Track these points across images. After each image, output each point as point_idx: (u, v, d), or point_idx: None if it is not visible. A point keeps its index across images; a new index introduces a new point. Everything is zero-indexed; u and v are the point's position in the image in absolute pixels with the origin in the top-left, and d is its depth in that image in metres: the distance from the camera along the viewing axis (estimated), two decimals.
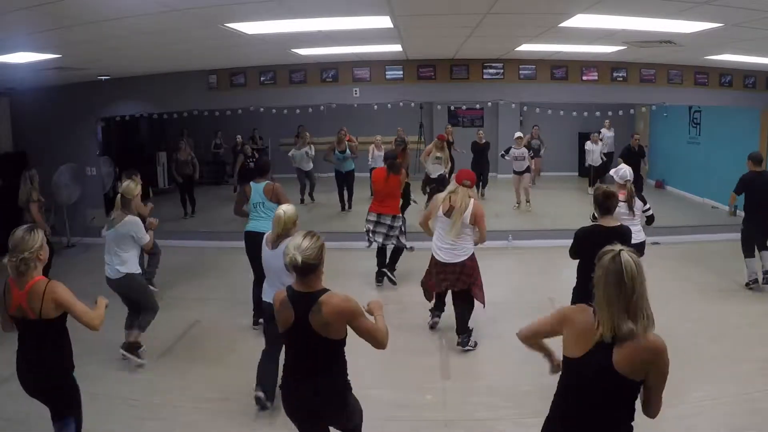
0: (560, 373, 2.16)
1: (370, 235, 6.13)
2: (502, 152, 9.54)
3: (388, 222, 6.06)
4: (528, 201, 9.49)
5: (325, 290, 2.44)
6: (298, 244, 2.39)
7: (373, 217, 6.12)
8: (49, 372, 2.82)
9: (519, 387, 4.02)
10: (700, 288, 6.09)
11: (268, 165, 5.46)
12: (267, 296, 3.86)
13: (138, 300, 4.55)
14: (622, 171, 4.75)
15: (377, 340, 2.48)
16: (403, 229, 6.21)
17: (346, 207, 9.68)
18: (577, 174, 11.51)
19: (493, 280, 5.73)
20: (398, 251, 6.31)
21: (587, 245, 3.57)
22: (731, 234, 6.72)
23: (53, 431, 2.93)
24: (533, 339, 2.33)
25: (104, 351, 4.68)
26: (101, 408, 3.75)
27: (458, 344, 4.69)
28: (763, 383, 3.95)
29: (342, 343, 2.46)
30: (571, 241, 3.96)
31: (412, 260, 6.40)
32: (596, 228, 3.81)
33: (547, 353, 2.39)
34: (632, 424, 1.99)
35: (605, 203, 3.79)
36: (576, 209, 9.15)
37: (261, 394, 3.71)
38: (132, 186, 4.54)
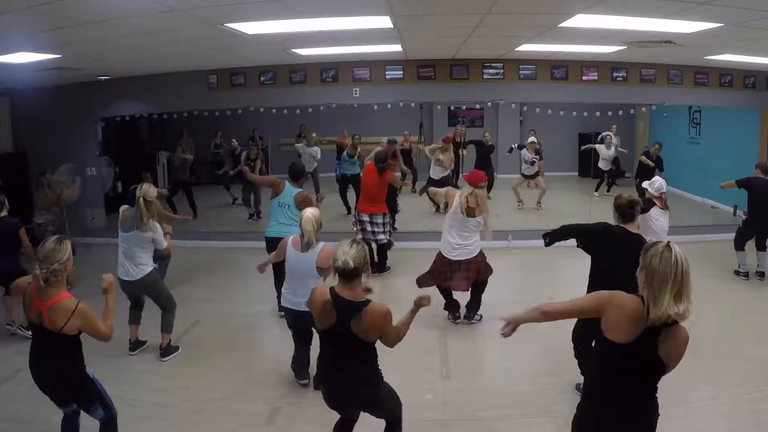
0: (598, 356, 2.25)
1: (359, 234, 6.33)
2: (512, 147, 9.50)
3: (380, 221, 6.31)
4: (539, 202, 9.50)
5: (368, 302, 2.62)
6: (346, 251, 2.56)
7: (366, 218, 6.31)
8: (66, 380, 2.87)
9: (519, 387, 4.03)
10: (699, 288, 6.01)
11: (303, 171, 5.44)
12: (286, 302, 3.88)
13: (159, 300, 4.60)
14: (658, 183, 5.07)
15: (390, 343, 2.73)
16: (391, 224, 6.51)
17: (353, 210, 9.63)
18: (577, 174, 11.50)
19: (493, 280, 5.72)
20: (385, 247, 6.56)
21: (601, 241, 3.61)
22: (731, 234, 6.72)
23: (60, 426, 3.02)
24: (555, 318, 2.36)
25: (104, 351, 4.67)
26: None
27: (465, 317, 5.11)
28: (763, 383, 3.95)
29: (375, 341, 2.68)
30: (571, 240, 3.93)
31: (413, 261, 6.40)
32: (622, 230, 3.68)
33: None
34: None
35: (629, 211, 3.69)
36: (576, 209, 9.15)
37: (305, 381, 4.05)
38: (152, 189, 4.49)
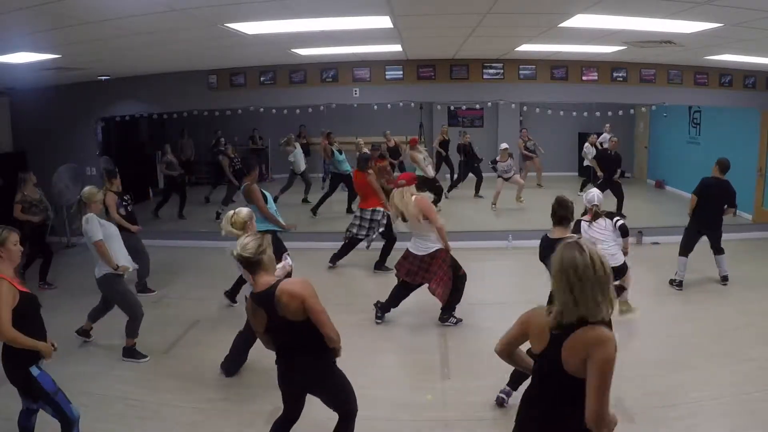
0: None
1: (354, 229, 6.64)
2: (491, 163, 9.50)
3: (368, 216, 6.58)
4: (520, 196, 9.57)
5: (277, 282, 2.64)
6: (242, 243, 2.69)
7: (358, 212, 6.69)
8: (7, 367, 2.93)
9: (519, 387, 4.02)
10: (699, 288, 6.09)
11: (247, 166, 5.76)
12: None
13: (119, 305, 4.58)
14: (590, 195, 4.77)
15: (321, 322, 2.64)
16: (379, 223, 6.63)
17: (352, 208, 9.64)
18: (577, 174, 11.50)
19: (493, 280, 5.74)
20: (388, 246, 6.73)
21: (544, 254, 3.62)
22: (731, 234, 6.73)
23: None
24: (510, 348, 2.23)
25: (105, 351, 4.69)
26: (101, 408, 3.76)
27: (439, 319, 5.12)
28: (762, 383, 3.95)
29: (310, 324, 2.64)
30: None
31: None
32: (545, 238, 3.79)
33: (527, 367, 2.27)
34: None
35: (557, 212, 3.76)
36: (576, 209, 9.16)
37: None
38: (99, 193, 4.63)
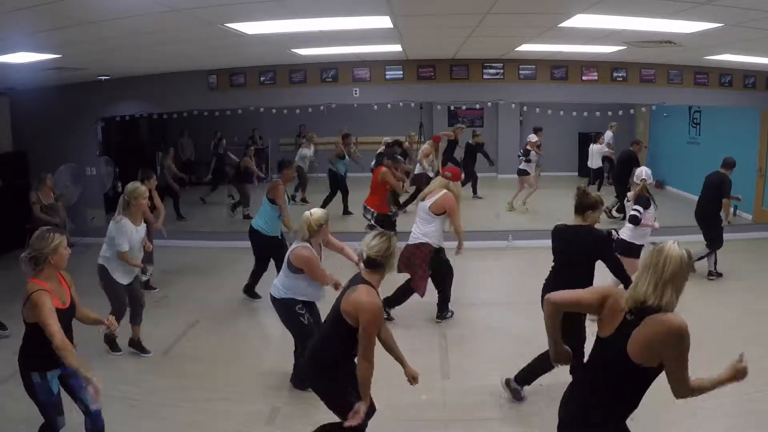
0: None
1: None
2: (522, 156, 9.45)
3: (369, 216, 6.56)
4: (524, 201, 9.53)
5: (364, 281, 2.73)
6: (368, 242, 2.77)
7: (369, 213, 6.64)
8: (21, 369, 2.89)
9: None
10: (699, 287, 6.09)
11: (284, 162, 5.83)
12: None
13: (106, 295, 4.48)
14: (639, 170, 5.19)
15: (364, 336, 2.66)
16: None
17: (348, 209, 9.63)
18: (577, 174, 11.50)
19: (493, 280, 5.75)
20: None
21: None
22: (731, 234, 6.74)
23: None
24: (568, 307, 2.28)
25: (105, 351, 4.68)
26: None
27: (436, 318, 5.17)
28: (762, 383, 3.95)
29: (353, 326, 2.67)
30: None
31: None
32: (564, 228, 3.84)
33: (556, 343, 2.35)
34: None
35: (583, 202, 3.75)
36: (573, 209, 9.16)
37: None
38: (142, 188, 4.50)
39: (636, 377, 2.01)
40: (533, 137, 9.47)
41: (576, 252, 3.60)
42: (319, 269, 3.70)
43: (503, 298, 5.57)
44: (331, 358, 2.79)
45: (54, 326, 2.65)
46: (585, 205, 3.66)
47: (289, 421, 3.69)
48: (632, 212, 5.08)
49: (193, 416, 3.75)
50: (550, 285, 3.64)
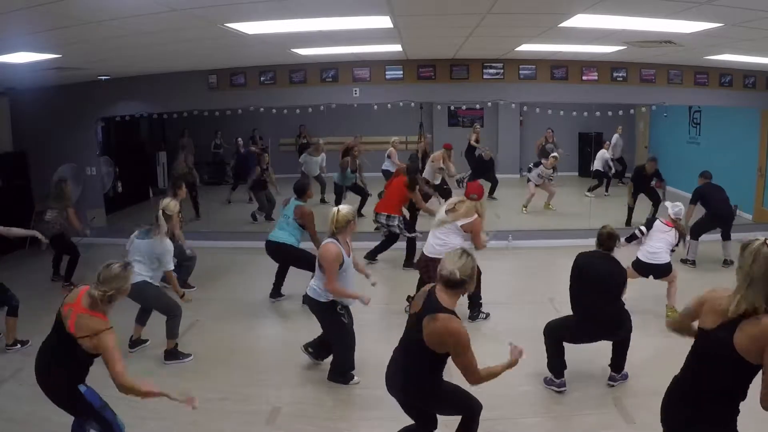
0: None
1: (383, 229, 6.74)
2: (533, 166, 9.42)
3: (383, 221, 6.63)
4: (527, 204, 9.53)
5: (447, 310, 2.58)
6: (454, 261, 2.64)
7: (382, 219, 6.70)
8: (59, 391, 2.86)
9: (519, 387, 4.02)
10: (699, 288, 6.06)
11: (304, 187, 5.71)
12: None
13: (156, 307, 4.56)
14: (677, 208, 5.38)
15: (462, 367, 2.65)
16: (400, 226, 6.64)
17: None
18: (577, 174, 11.50)
19: (493, 280, 5.74)
20: (410, 244, 6.79)
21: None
22: (731, 234, 6.73)
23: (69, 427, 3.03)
24: (683, 325, 2.54)
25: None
26: None
27: (469, 318, 5.15)
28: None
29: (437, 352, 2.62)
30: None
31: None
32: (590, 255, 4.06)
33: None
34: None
35: (606, 243, 4.02)
36: (576, 209, 9.17)
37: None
38: (173, 204, 4.56)
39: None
40: (550, 159, 9.32)
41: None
42: (335, 273, 3.80)
43: (503, 299, 5.55)
44: (428, 385, 2.77)
45: (120, 365, 2.73)
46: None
47: (289, 421, 3.69)
48: (636, 231, 5.40)
49: (193, 416, 3.73)
50: None
